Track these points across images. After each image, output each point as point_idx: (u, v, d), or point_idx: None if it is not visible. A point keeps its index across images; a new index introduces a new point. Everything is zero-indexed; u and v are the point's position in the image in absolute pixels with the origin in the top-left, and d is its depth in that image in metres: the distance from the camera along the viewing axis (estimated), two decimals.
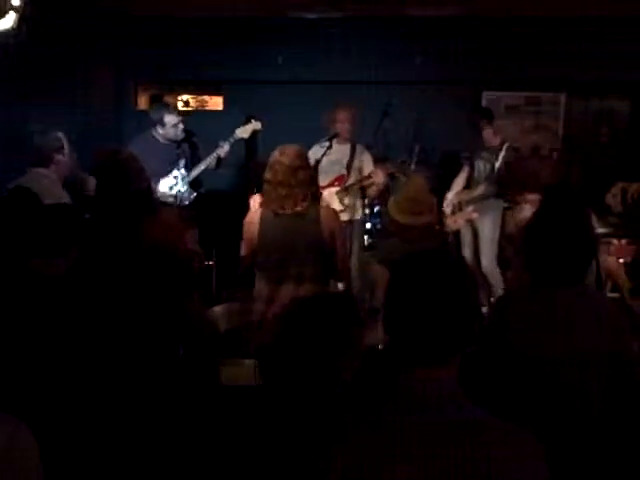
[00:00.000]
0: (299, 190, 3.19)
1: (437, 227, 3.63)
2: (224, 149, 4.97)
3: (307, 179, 3.23)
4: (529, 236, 2.25)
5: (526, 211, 3.58)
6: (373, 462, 1.30)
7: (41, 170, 3.77)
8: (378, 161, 5.52)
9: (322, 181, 4.95)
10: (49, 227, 2.43)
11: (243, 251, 3.43)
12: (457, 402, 1.34)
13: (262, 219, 3.28)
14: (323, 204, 3.34)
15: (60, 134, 3.91)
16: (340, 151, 5.15)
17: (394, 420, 1.32)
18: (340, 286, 3.59)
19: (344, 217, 5.21)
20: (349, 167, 5.22)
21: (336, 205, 5.18)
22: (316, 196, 3.31)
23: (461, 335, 1.36)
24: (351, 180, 5.22)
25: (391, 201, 3.71)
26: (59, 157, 3.83)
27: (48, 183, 3.69)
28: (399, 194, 3.69)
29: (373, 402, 1.39)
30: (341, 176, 5.22)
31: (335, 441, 1.36)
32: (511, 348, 2.07)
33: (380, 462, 1.30)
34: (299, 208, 3.20)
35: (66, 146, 3.90)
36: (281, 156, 3.23)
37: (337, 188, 5.21)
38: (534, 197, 3.64)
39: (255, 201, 3.63)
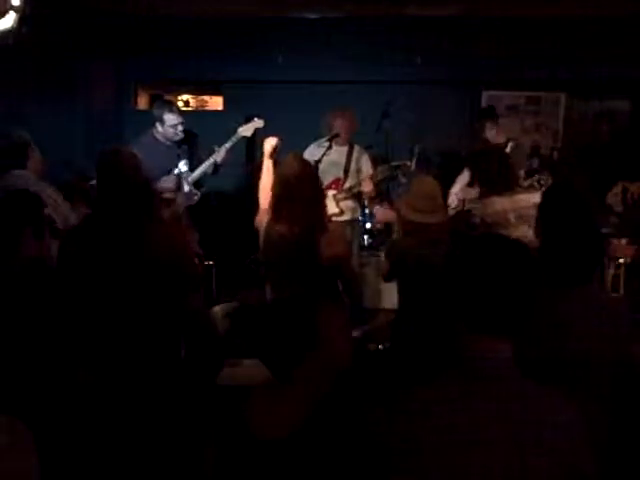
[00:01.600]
0: (300, 207, 3.09)
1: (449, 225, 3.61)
2: (220, 154, 4.95)
3: (310, 195, 3.12)
4: (538, 236, 2.23)
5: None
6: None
7: (19, 171, 3.66)
8: (377, 162, 5.52)
9: (323, 181, 4.96)
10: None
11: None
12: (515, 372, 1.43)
13: (266, 230, 3.21)
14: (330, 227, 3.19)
15: (22, 131, 3.76)
16: (338, 153, 5.14)
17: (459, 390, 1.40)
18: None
19: (344, 218, 5.23)
20: (346, 170, 5.22)
21: (333, 208, 5.18)
22: (320, 216, 3.18)
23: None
24: (348, 183, 5.22)
25: (402, 202, 3.65)
26: (32, 153, 3.70)
27: (29, 183, 3.57)
28: (411, 194, 3.61)
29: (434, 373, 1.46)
30: (337, 179, 5.22)
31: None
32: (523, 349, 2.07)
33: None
34: (296, 229, 3.11)
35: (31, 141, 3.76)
36: (287, 168, 3.17)
37: (334, 191, 5.21)
38: None
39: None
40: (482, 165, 3.87)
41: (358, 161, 5.26)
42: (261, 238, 3.27)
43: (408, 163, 5.86)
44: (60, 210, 3.52)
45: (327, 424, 1.68)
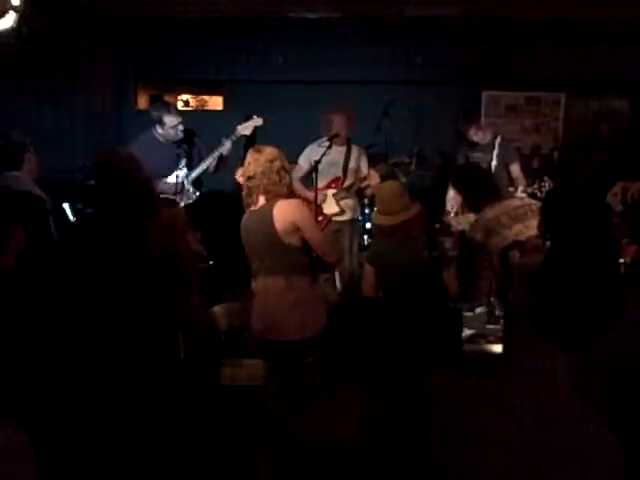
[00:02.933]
0: (256, 187, 3.20)
1: (419, 220, 3.80)
2: (226, 146, 4.95)
3: (266, 175, 3.18)
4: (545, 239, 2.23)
5: None
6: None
7: (14, 173, 3.67)
8: (377, 162, 5.52)
9: (319, 182, 4.96)
10: None
11: None
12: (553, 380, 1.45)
13: (243, 218, 3.35)
14: (292, 200, 3.22)
15: (20, 134, 3.77)
16: (337, 152, 5.15)
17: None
18: (324, 277, 3.65)
19: (344, 217, 5.23)
20: (345, 169, 5.23)
21: (333, 207, 5.21)
22: (279, 193, 3.21)
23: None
24: (348, 182, 5.23)
25: (375, 207, 3.94)
26: (28, 155, 3.71)
27: (20, 185, 3.57)
28: (376, 200, 3.94)
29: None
30: (337, 178, 5.22)
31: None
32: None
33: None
34: (254, 206, 3.23)
35: (28, 143, 3.76)
36: (253, 154, 3.27)
37: (334, 190, 5.22)
38: None
39: None
40: (468, 191, 4.07)
41: (356, 160, 5.28)
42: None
43: (407, 160, 5.86)
44: None
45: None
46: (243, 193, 3.30)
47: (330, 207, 5.22)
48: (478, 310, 3.81)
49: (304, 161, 5.19)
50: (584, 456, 1.34)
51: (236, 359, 4.23)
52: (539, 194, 4.77)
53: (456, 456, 1.36)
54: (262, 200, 3.21)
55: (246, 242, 3.32)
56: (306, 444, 1.56)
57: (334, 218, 5.24)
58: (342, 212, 5.23)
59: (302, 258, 3.20)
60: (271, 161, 3.19)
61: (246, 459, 3.07)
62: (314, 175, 4.83)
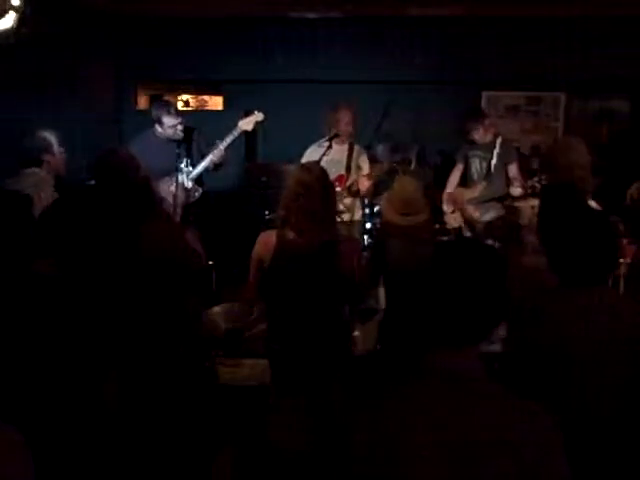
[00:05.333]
0: (315, 216, 2.79)
1: (434, 225, 3.62)
2: (216, 154, 4.94)
3: (325, 203, 2.83)
4: (548, 237, 2.22)
5: None
6: (397, 431, 1.38)
7: (32, 170, 3.73)
8: (376, 161, 5.52)
9: None
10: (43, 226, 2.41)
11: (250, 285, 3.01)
12: (476, 378, 1.43)
13: (278, 246, 2.87)
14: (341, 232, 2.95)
15: (47, 133, 3.84)
16: (339, 151, 5.16)
17: (418, 391, 1.42)
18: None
19: (344, 218, 5.21)
20: (348, 167, 5.23)
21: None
22: (334, 226, 2.91)
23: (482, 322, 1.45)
24: (350, 181, 5.23)
25: (384, 203, 3.69)
26: (48, 157, 3.78)
27: (38, 182, 3.64)
28: (392, 195, 3.62)
29: (395, 379, 1.49)
30: (341, 176, 5.21)
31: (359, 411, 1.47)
32: (540, 347, 2.06)
33: (404, 430, 1.38)
34: (310, 239, 2.80)
35: (55, 145, 3.85)
36: (304, 173, 2.85)
37: (338, 189, 5.20)
38: None
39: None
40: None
41: (358, 159, 5.28)
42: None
43: (406, 160, 5.85)
44: None
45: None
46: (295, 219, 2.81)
47: None
48: None
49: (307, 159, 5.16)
50: (513, 438, 1.34)
51: (236, 359, 4.23)
52: (538, 187, 4.77)
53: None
54: (314, 233, 2.79)
55: (284, 284, 2.84)
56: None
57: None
58: (343, 212, 5.21)
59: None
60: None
61: (245, 459, 3.07)
62: None
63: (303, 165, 3.11)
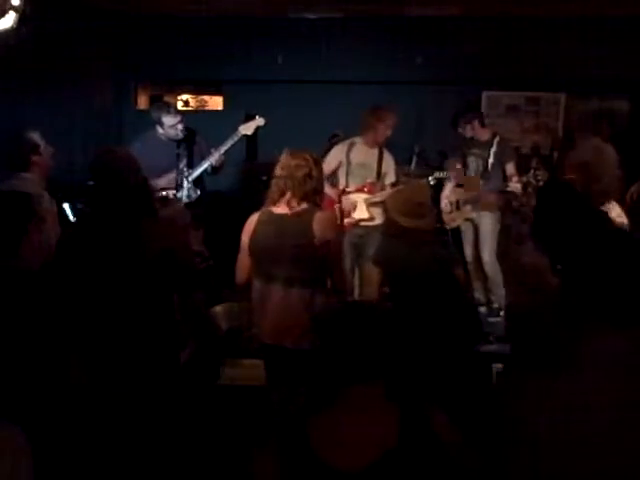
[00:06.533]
0: (296, 189, 3.07)
1: (437, 226, 3.64)
2: (214, 157, 4.94)
3: (307, 180, 3.08)
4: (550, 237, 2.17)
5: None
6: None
7: (21, 174, 3.62)
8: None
9: (350, 183, 4.96)
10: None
11: (238, 269, 3.28)
12: None
13: (259, 218, 3.18)
14: (329, 209, 3.16)
15: (33, 134, 3.73)
16: (369, 155, 5.03)
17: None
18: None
19: (374, 223, 5.00)
20: (379, 173, 5.06)
21: (364, 212, 5.03)
22: (316, 202, 3.14)
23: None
24: (380, 195, 4.96)
25: (390, 200, 3.68)
26: (35, 158, 3.67)
27: (28, 186, 3.55)
28: (401, 196, 3.63)
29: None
30: (371, 184, 5.03)
31: None
32: None
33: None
34: (291, 209, 3.09)
35: (42, 145, 3.73)
36: (289, 156, 3.14)
37: (366, 195, 5.03)
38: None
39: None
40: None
41: (387, 165, 5.12)
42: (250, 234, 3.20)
43: (408, 162, 5.82)
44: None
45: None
46: (274, 189, 3.14)
47: (360, 212, 5.03)
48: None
49: (332, 159, 5.04)
50: None
51: (236, 359, 4.23)
52: (534, 182, 4.78)
53: None
54: (294, 204, 3.10)
55: (264, 244, 3.14)
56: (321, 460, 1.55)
57: (362, 224, 5.04)
58: (372, 218, 5.03)
59: (324, 274, 3.12)
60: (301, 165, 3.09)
61: (245, 459, 3.07)
62: (339, 174, 4.88)
63: (291, 150, 3.20)
